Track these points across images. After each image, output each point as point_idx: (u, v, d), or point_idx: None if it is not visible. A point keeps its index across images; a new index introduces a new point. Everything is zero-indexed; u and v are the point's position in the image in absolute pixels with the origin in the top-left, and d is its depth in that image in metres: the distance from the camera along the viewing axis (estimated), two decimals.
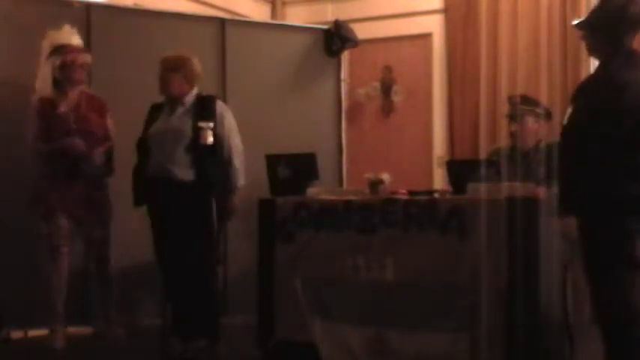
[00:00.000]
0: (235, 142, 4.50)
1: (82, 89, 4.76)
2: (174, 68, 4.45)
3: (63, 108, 4.66)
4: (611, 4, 3.40)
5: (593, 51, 3.52)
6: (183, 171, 4.35)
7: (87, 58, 4.76)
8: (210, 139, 4.35)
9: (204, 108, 4.42)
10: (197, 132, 4.35)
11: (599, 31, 3.41)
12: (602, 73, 3.40)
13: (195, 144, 4.34)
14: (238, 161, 4.48)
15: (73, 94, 4.71)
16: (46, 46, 4.70)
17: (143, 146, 4.49)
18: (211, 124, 4.37)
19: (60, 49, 4.66)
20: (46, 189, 4.61)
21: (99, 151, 4.67)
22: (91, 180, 4.68)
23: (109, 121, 4.79)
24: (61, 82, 4.68)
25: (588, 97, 3.35)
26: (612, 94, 3.26)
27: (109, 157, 4.74)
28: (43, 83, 4.67)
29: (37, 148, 4.63)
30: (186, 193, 4.33)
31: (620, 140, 3.24)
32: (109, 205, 4.78)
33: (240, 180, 4.50)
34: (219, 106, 4.50)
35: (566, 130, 3.38)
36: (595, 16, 3.43)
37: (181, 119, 4.41)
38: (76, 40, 4.75)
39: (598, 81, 3.39)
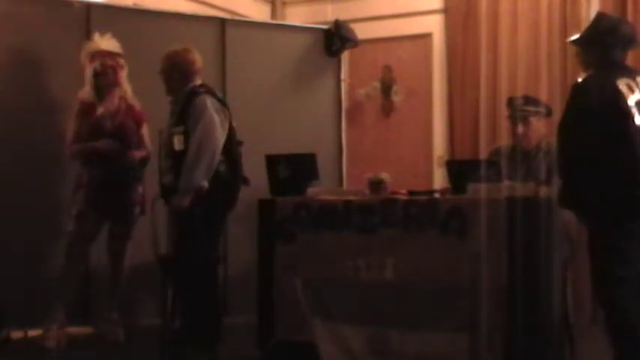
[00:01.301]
0: (197, 140, 4.19)
1: (122, 95, 4.81)
2: (165, 67, 4.45)
3: (101, 111, 4.73)
4: (603, 22, 3.59)
5: (586, 66, 3.65)
6: (167, 176, 4.36)
7: (118, 60, 4.79)
8: (180, 146, 4.26)
9: (184, 109, 4.34)
10: (170, 138, 4.33)
11: (592, 47, 3.56)
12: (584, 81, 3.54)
13: (171, 150, 4.32)
14: (190, 161, 4.18)
15: (113, 99, 4.77)
16: (83, 56, 4.79)
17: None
18: (182, 128, 4.28)
19: (93, 57, 4.76)
20: (80, 193, 4.70)
21: (135, 155, 4.75)
22: (124, 182, 4.74)
23: (145, 131, 4.83)
24: (98, 88, 4.75)
25: (574, 101, 3.47)
26: (587, 98, 3.39)
27: (143, 164, 4.80)
28: (84, 89, 4.77)
29: (72, 150, 4.73)
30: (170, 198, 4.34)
31: (604, 142, 3.34)
32: (136, 205, 4.82)
33: (190, 182, 4.19)
34: (195, 105, 4.29)
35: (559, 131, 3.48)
36: (588, 33, 3.59)
37: (170, 122, 4.42)
38: (106, 44, 4.80)
39: (579, 87, 3.51)
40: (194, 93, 4.36)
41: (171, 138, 4.31)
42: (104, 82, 4.75)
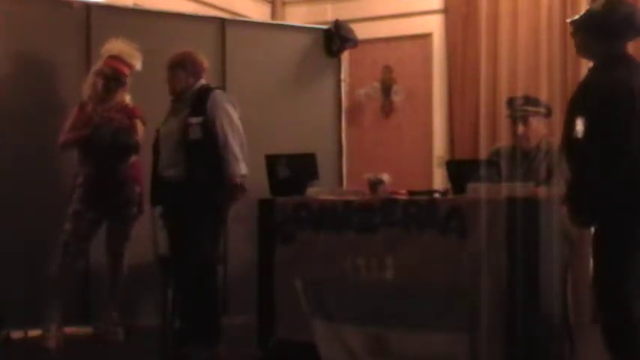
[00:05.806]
0: (229, 132, 4.35)
1: (121, 100, 4.82)
2: (174, 65, 4.46)
3: (93, 107, 4.74)
4: (614, 10, 3.35)
5: (583, 51, 3.48)
6: (175, 170, 4.35)
7: (125, 70, 4.79)
8: (197, 135, 4.30)
9: (198, 102, 4.38)
10: (186, 128, 4.33)
11: (596, 33, 3.37)
12: (600, 78, 3.37)
13: (184, 141, 4.32)
14: (231, 151, 4.34)
15: (111, 102, 4.78)
16: (102, 53, 4.80)
17: (155, 146, 4.52)
18: (200, 119, 4.32)
19: (110, 58, 4.76)
20: (77, 192, 4.70)
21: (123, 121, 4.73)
22: (119, 183, 4.75)
23: (138, 127, 4.80)
24: (100, 90, 4.75)
25: (593, 104, 3.31)
26: (617, 98, 3.23)
27: (132, 146, 4.76)
28: (85, 88, 4.78)
29: (62, 141, 4.72)
30: (177, 192, 4.33)
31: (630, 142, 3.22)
32: (133, 205, 4.82)
33: (238, 169, 4.35)
34: (213, 97, 4.40)
35: (582, 143, 3.32)
36: (595, 17, 3.38)
37: (178, 117, 4.42)
38: (128, 53, 4.79)
39: (599, 86, 3.35)
40: (208, 89, 4.46)
41: (188, 128, 4.31)
42: (106, 86, 4.75)
